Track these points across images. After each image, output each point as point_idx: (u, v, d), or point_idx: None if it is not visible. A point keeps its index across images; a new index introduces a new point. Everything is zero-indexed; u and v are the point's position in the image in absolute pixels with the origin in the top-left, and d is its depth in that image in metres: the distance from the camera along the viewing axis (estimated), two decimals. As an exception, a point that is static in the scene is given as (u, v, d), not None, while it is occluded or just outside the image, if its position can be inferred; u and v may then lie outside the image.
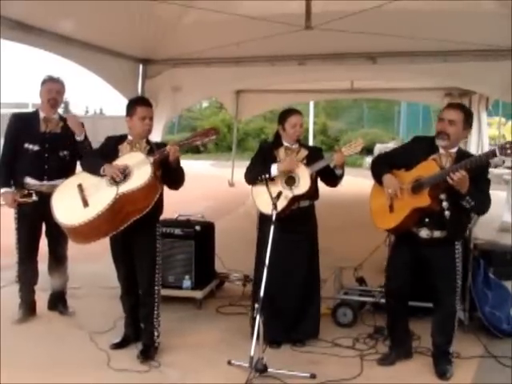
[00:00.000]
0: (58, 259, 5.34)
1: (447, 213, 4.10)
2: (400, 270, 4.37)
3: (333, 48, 6.48)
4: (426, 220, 4.16)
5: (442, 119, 4.15)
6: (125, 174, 4.26)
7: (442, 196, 4.09)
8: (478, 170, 3.99)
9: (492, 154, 3.86)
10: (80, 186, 4.37)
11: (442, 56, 6.28)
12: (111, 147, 4.52)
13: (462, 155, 4.12)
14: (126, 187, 4.22)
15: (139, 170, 4.25)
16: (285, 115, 4.83)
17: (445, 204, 4.10)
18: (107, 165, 4.30)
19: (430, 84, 10.69)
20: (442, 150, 4.17)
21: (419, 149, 4.27)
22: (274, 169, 4.66)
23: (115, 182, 4.25)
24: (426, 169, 4.11)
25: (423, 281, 4.35)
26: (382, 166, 4.38)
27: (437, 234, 4.18)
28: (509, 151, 3.76)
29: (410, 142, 4.50)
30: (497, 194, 11.68)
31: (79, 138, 5.05)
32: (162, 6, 5.97)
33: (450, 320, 4.29)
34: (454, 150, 4.18)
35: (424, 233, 4.20)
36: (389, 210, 4.27)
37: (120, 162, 4.34)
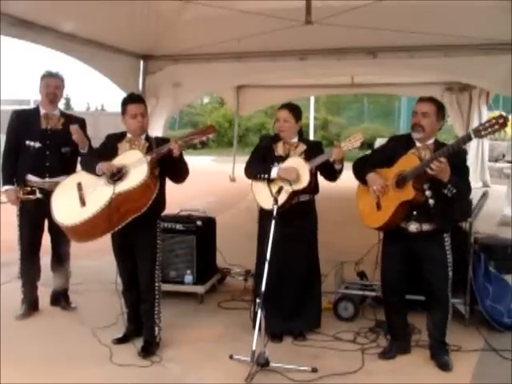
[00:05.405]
0: (60, 256, 5.36)
1: (431, 201, 4.15)
2: (393, 266, 4.39)
3: (333, 43, 6.50)
4: (414, 213, 4.20)
5: (416, 112, 4.24)
6: (121, 173, 4.27)
7: (425, 186, 4.14)
8: (457, 158, 4.07)
9: (467, 137, 3.95)
10: (79, 185, 4.39)
11: (442, 51, 6.30)
12: (111, 145, 4.52)
13: (439, 146, 4.18)
14: (122, 187, 4.21)
15: (136, 169, 4.24)
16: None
17: (428, 193, 4.15)
18: (101, 163, 4.30)
19: (430, 79, 10.70)
20: (418, 144, 4.24)
21: (397, 146, 4.35)
22: (274, 172, 4.67)
23: (113, 181, 4.26)
24: (407, 162, 4.17)
25: (416, 274, 4.37)
26: (364, 166, 4.43)
27: (426, 226, 4.22)
28: (482, 133, 3.85)
29: (388, 142, 4.59)
30: (497, 188, 11.73)
31: (83, 150, 5.03)
32: (163, 2, 5.99)
33: (444, 311, 4.34)
34: (431, 141, 4.25)
35: (413, 227, 4.23)
36: (376, 208, 4.32)
37: (117, 161, 4.35)
